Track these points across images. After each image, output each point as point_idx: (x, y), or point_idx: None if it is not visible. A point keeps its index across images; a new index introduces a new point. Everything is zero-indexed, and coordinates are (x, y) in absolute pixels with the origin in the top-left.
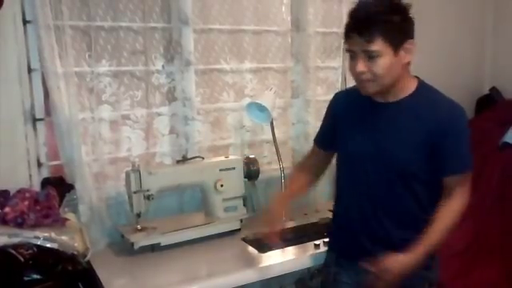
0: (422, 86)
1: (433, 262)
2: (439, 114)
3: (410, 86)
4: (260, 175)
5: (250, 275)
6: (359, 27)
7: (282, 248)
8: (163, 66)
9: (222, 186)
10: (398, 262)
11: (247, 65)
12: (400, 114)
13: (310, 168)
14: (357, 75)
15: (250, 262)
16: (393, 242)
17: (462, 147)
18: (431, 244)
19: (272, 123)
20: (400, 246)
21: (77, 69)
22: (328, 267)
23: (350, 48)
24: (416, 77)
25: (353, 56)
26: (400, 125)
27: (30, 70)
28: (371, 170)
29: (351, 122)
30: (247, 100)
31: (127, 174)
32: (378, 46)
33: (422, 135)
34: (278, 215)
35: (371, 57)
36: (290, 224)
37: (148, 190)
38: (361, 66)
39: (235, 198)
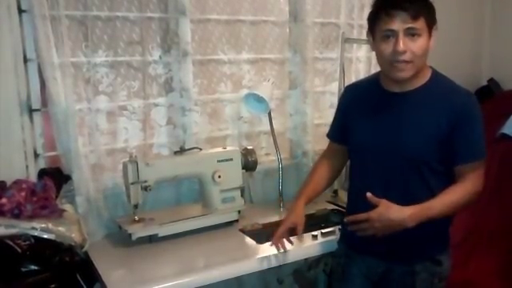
0: (436, 75)
1: (443, 258)
2: (455, 102)
3: (426, 74)
4: (258, 166)
5: (247, 266)
6: (405, 3)
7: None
8: (160, 57)
9: (219, 177)
10: (389, 211)
11: (245, 55)
12: (416, 103)
13: (329, 165)
14: (396, 56)
15: (248, 253)
16: (404, 232)
17: (475, 135)
18: (430, 210)
19: (270, 114)
20: (411, 236)
21: (73, 59)
22: (337, 258)
23: (389, 27)
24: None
25: (389, 36)
26: (415, 114)
27: (25, 60)
28: (384, 160)
29: (363, 112)
30: (245, 91)
31: (124, 165)
32: (421, 23)
33: (437, 123)
34: (299, 220)
35: (413, 35)
36: None
37: (145, 181)
38: (403, 45)
39: (233, 189)
